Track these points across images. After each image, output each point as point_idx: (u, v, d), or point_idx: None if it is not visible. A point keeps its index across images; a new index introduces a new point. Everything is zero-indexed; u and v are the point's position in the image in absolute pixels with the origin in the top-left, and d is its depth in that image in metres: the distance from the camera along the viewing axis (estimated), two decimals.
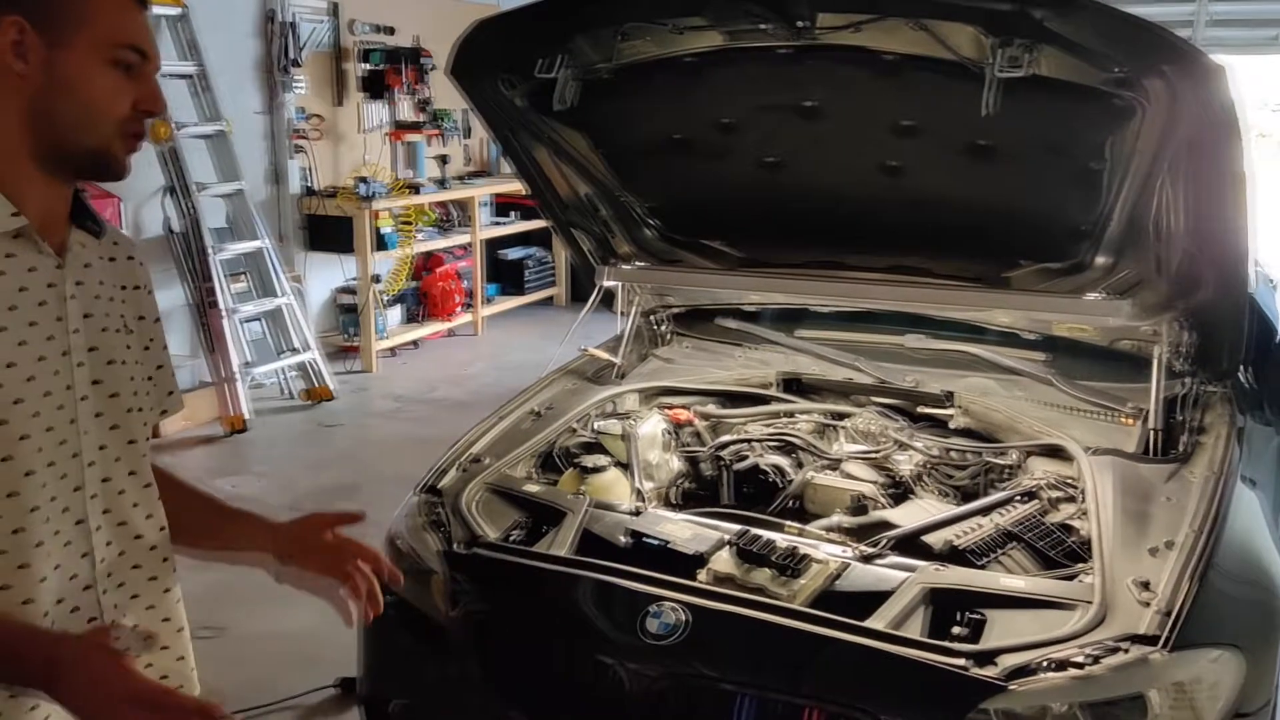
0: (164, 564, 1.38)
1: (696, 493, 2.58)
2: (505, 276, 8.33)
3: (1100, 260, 2.42)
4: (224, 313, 5.56)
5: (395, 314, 7.15)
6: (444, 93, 7.34)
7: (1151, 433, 2.39)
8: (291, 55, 6.45)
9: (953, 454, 2.53)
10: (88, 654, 1.11)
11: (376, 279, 6.72)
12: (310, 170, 6.81)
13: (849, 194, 2.56)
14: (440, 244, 7.41)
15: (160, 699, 1.09)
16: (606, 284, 2.95)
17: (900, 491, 2.41)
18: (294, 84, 6.55)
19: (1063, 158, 2.24)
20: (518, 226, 8.29)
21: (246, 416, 5.57)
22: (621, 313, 3.13)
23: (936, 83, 2.13)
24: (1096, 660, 1.72)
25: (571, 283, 8.62)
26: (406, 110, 7.22)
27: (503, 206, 8.29)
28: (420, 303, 7.42)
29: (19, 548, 1.19)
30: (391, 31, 7.34)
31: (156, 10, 5.52)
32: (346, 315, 6.95)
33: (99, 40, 1.19)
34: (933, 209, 2.47)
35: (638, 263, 2.96)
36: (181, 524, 1.42)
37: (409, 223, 6.92)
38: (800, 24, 2.06)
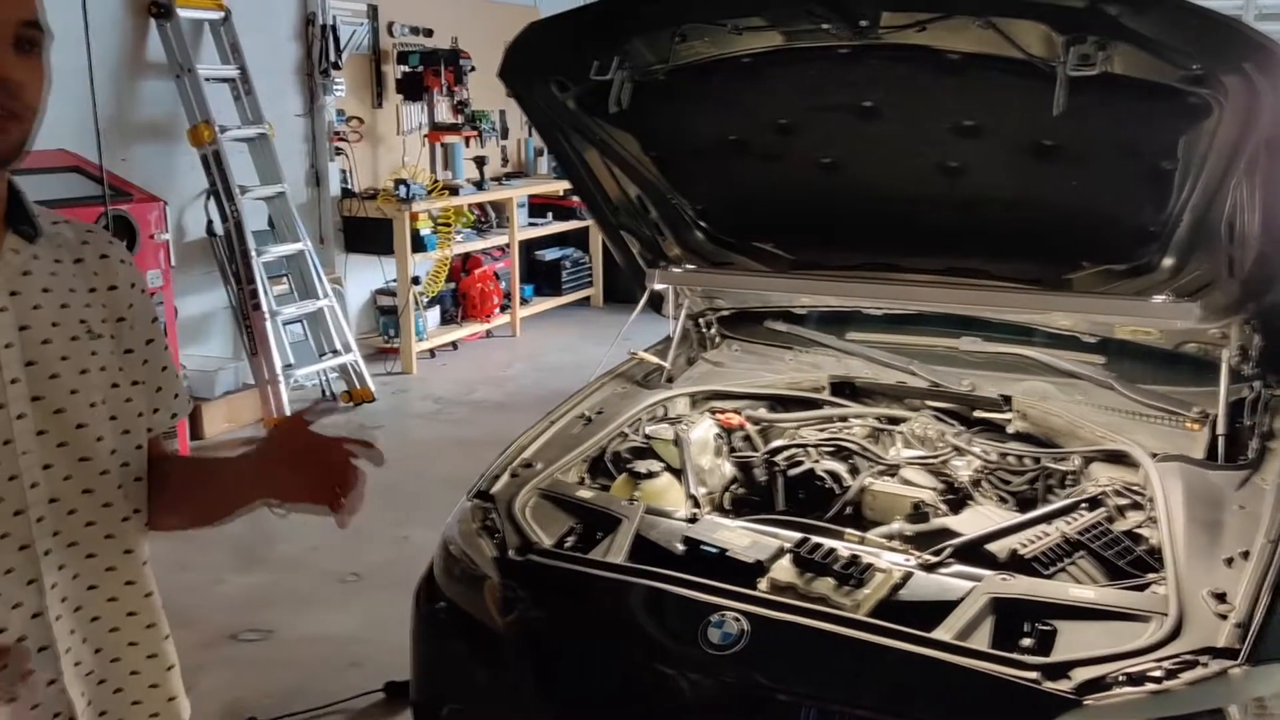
0: (127, 587, 1.29)
1: (749, 499, 2.54)
2: (542, 277, 8.34)
3: (1167, 262, 2.36)
4: (266, 315, 5.60)
5: (434, 315, 7.17)
6: (481, 94, 7.36)
7: (1220, 438, 2.33)
8: (331, 58, 6.49)
9: (1010, 459, 2.49)
10: None
11: (415, 280, 6.74)
12: (349, 172, 6.85)
13: (906, 195, 2.51)
14: (478, 245, 7.42)
15: None
16: (656, 287, 2.92)
17: (959, 498, 2.37)
18: (334, 86, 6.58)
19: (1132, 158, 2.19)
20: (554, 227, 8.29)
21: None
22: (671, 315, 3.10)
23: (1001, 82, 2.08)
24: (1173, 675, 1.67)
25: (607, 283, 8.61)
26: (444, 112, 7.24)
27: (538, 208, 8.30)
28: (458, 304, 7.44)
29: None
30: (430, 33, 7.37)
31: (198, 14, 5.57)
32: (386, 317, 6.98)
33: None
34: (992, 210, 2.42)
35: (687, 265, 2.93)
36: (192, 507, 1.38)
37: (447, 224, 6.94)
38: (862, 23, 2.02)
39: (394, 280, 6.85)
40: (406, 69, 7.08)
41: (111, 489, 1.27)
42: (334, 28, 6.51)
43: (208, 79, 5.49)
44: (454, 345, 7.28)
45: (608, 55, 2.28)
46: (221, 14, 5.66)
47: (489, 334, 7.61)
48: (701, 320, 3.19)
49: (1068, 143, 2.21)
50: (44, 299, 1.22)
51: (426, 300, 7.01)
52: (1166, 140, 2.08)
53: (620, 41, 2.28)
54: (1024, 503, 2.41)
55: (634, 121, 2.54)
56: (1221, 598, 1.79)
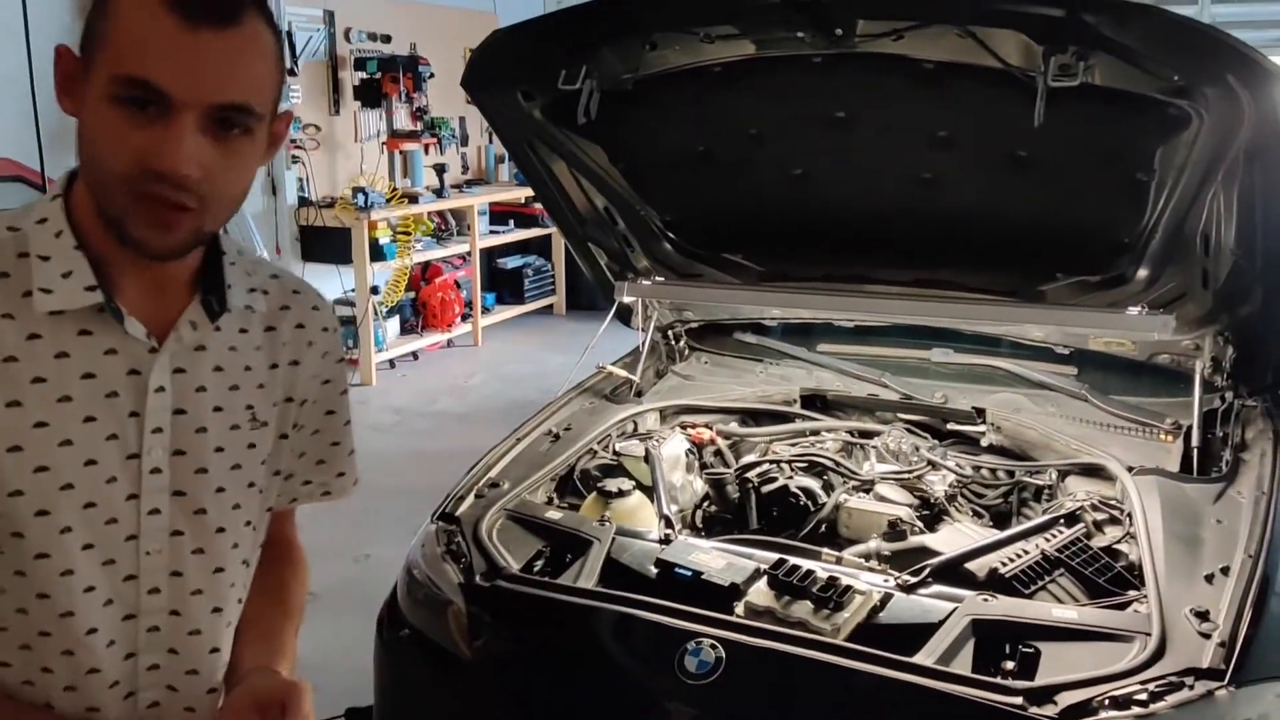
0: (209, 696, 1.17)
1: (721, 516, 2.49)
2: (503, 286, 8.27)
3: (1142, 274, 2.36)
4: None
5: (393, 325, 7.07)
6: (440, 101, 7.27)
7: (1194, 450, 2.32)
8: (287, 64, 6.36)
9: (985, 473, 2.46)
10: None
11: (374, 290, 6.64)
12: (306, 180, 6.73)
13: (878, 207, 2.49)
14: (438, 254, 7.33)
15: None
16: (624, 299, 2.87)
17: (934, 513, 2.33)
18: (290, 93, 6.46)
19: (1108, 169, 2.18)
20: (515, 235, 8.23)
21: None
22: (640, 328, 3.04)
23: (977, 92, 2.05)
24: (1159, 697, 1.64)
25: (570, 291, 8.55)
26: (403, 119, 7.15)
27: (499, 215, 8.22)
28: (418, 314, 7.34)
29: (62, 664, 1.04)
30: (388, 40, 7.27)
31: None
32: (344, 327, 6.85)
33: (106, 68, 0.94)
34: (966, 222, 2.40)
35: (656, 277, 2.89)
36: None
37: (407, 233, 6.84)
38: (838, 32, 1.98)
39: (352, 290, 6.74)
40: (364, 75, 6.98)
41: (233, 601, 1.15)
42: (289, 34, 6.39)
43: None
44: (414, 355, 7.18)
45: (576, 64, 2.22)
46: None
47: (450, 344, 7.51)
48: (670, 332, 3.15)
49: (1043, 154, 2.19)
50: (212, 380, 1.09)
51: (386, 310, 6.90)
52: (1144, 151, 2.07)
53: (589, 50, 2.22)
54: (999, 517, 2.39)
55: (601, 132, 2.48)
56: (1204, 616, 1.77)
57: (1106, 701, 1.63)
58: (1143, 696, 1.64)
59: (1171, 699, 1.63)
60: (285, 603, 1.27)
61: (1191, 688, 1.64)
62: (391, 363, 6.96)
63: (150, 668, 1.10)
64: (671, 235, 2.88)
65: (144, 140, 0.93)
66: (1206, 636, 1.72)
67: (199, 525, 1.09)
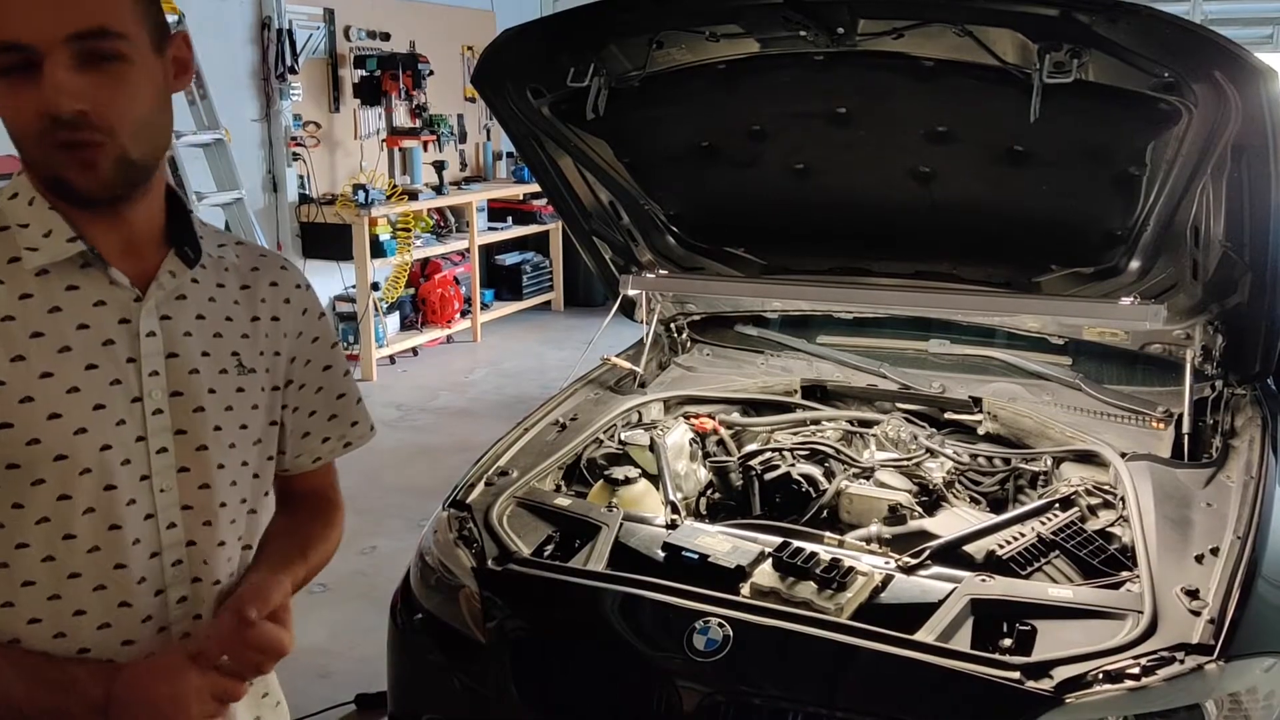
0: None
1: (724, 503, 2.54)
2: (502, 282, 8.30)
3: (1134, 265, 2.41)
4: None
5: (393, 321, 7.10)
6: (439, 98, 7.31)
7: (1185, 437, 2.37)
8: (288, 62, 6.41)
9: (981, 460, 2.52)
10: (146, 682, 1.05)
11: (375, 286, 6.67)
12: (307, 178, 6.76)
13: (877, 201, 2.53)
14: (437, 250, 7.36)
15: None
16: (629, 293, 2.92)
17: (933, 499, 2.39)
18: (290, 91, 6.50)
19: (1101, 163, 2.23)
20: (514, 232, 8.25)
21: None
22: (643, 321, 3.09)
23: (974, 88, 2.10)
24: (1151, 671, 1.70)
25: (568, 287, 8.59)
26: (402, 116, 7.18)
27: (497, 212, 8.25)
28: (418, 310, 7.37)
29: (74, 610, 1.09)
30: (387, 37, 7.30)
31: None
32: (345, 323, 6.90)
33: None
34: (962, 215, 2.45)
35: (660, 271, 2.93)
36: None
37: (406, 229, 6.87)
38: (839, 31, 2.03)
39: (353, 286, 6.77)
40: (364, 73, 7.01)
41: (233, 537, 1.19)
42: (290, 32, 6.42)
43: None
44: (414, 351, 7.22)
45: (584, 62, 2.27)
46: (175, 17, 5.56)
47: (450, 339, 7.55)
48: (673, 325, 3.19)
49: (1038, 148, 2.24)
50: (196, 326, 1.14)
51: (386, 306, 6.94)
52: (1135, 146, 2.12)
53: (597, 48, 2.27)
54: (996, 503, 2.44)
55: (608, 127, 2.53)
56: (1194, 594, 1.82)
57: (1100, 676, 1.69)
58: (1135, 671, 1.69)
59: (1163, 673, 1.68)
60: (303, 539, 1.31)
61: (1182, 662, 1.70)
62: (392, 358, 7.00)
63: (179, 600, 1.14)
64: (675, 229, 2.93)
65: (32, 98, 0.98)
66: (1196, 614, 1.77)
67: (202, 461, 1.13)
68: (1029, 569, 2.01)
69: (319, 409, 1.31)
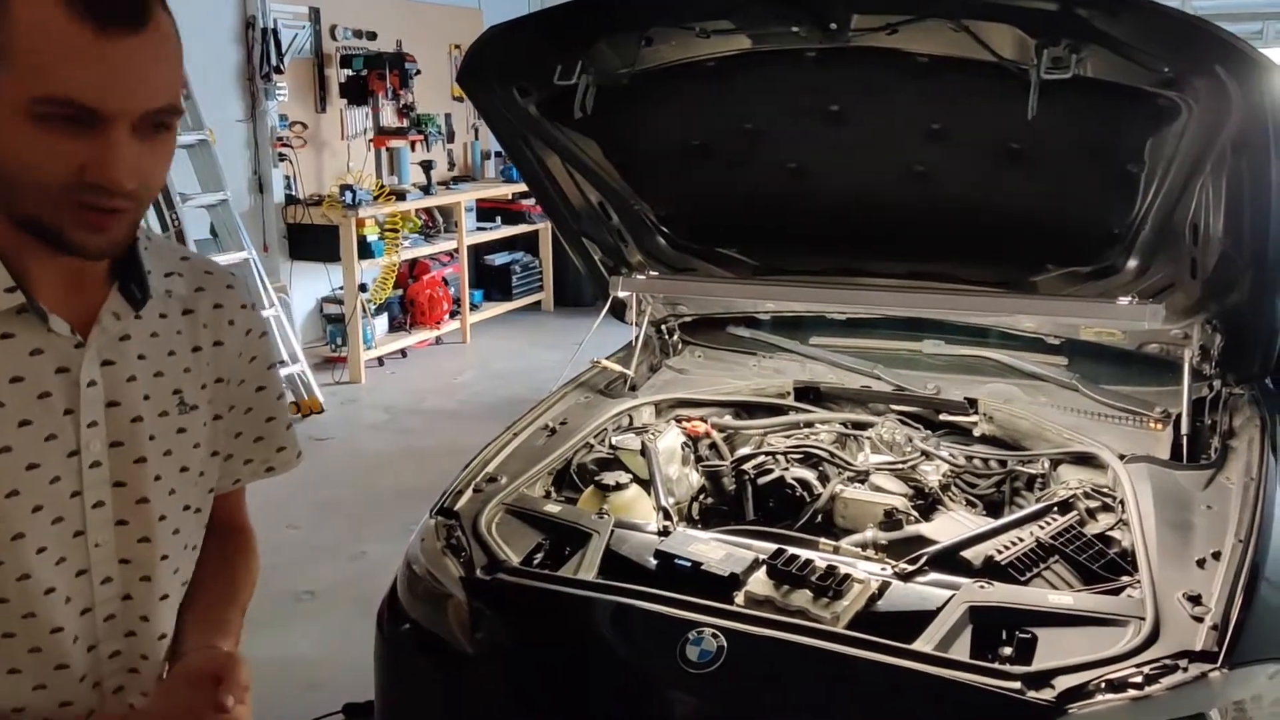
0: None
1: (717, 508, 2.51)
2: (491, 282, 8.25)
3: (1132, 264, 2.38)
4: None
5: (382, 323, 7.05)
6: (427, 98, 7.26)
7: (1184, 438, 2.34)
8: (273, 62, 6.35)
9: (977, 462, 2.49)
10: None
11: (363, 288, 6.63)
12: (293, 178, 6.71)
13: (871, 200, 2.50)
14: (426, 251, 7.31)
15: None
16: (619, 294, 2.88)
17: (928, 503, 2.36)
18: (276, 91, 6.44)
19: (1098, 161, 2.20)
20: (503, 232, 8.21)
21: None
22: (634, 323, 3.05)
23: (970, 85, 2.07)
24: (1154, 680, 1.66)
25: (557, 287, 8.55)
26: (389, 116, 7.13)
27: (486, 212, 8.21)
28: (406, 311, 7.33)
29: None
30: (374, 37, 7.25)
31: None
32: (333, 325, 6.85)
33: (15, 90, 0.90)
34: (958, 214, 2.42)
35: (650, 272, 2.90)
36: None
37: (394, 230, 6.83)
38: (833, 26, 2.00)
39: (340, 288, 6.72)
40: (350, 73, 6.96)
41: (176, 585, 1.16)
42: (275, 31, 6.37)
43: None
44: (403, 353, 7.17)
45: (572, 60, 2.23)
46: None
47: (439, 341, 7.50)
48: (664, 327, 3.16)
49: (1035, 146, 2.21)
50: (139, 368, 1.08)
51: (374, 307, 6.89)
52: (1134, 143, 2.09)
53: (585, 46, 2.23)
54: (992, 506, 2.41)
55: (597, 126, 2.49)
56: (1196, 600, 1.79)
57: (1102, 685, 1.66)
58: (1138, 679, 1.66)
59: (1166, 681, 1.65)
60: (231, 582, 1.27)
61: (1185, 670, 1.66)
62: (380, 360, 6.95)
63: (112, 655, 1.11)
64: (666, 230, 2.89)
65: (79, 152, 0.92)
66: (1199, 620, 1.74)
67: (142, 514, 1.09)
68: (1028, 575, 1.98)
69: (245, 430, 1.25)
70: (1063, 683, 1.66)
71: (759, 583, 1.94)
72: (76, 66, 0.89)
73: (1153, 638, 1.72)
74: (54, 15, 0.88)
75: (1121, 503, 2.12)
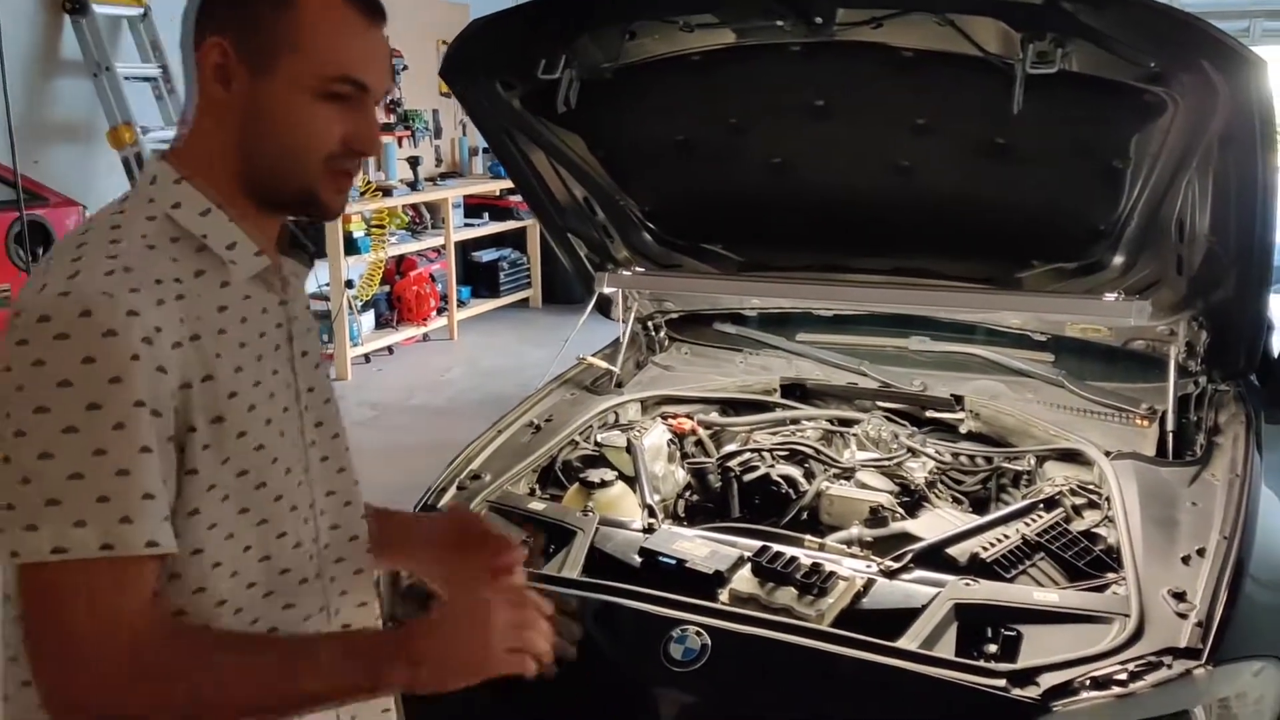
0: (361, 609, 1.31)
1: (703, 505, 2.50)
2: (479, 279, 8.22)
3: (1117, 260, 2.38)
4: None
5: (368, 320, 7.02)
6: (414, 93, 7.22)
7: (1170, 434, 2.35)
8: None
9: (963, 459, 2.48)
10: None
11: (349, 284, 6.59)
12: None
13: (856, 195, 2.49)
14: (413, 247, 7.28)
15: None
16: (604, 290, 2.87)
17: (914, 500, 2.35)
18: None
19: (1084, 156, 2.19)
20: (490, 228, 8.18)
21: None
22: (620, 319, 3.04)
23: (955, 80, 2.06)
24: (1138, 677, 1.66)
25: (545, 284, 8.52)
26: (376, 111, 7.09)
27: (474, 208, 8.18)
28: (393, 308, 7.30)
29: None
30: None
31: (116, 10, 5.36)
32: (320, 322, 6.80)
33: (305, 71, 1.06)
34: (943, 210, 2.41)
35: (636, 268, 2.88)
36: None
37: (381, 226, 6.80)
38: (817, 20, 1.99)
39: (327, 284, 6.68)
40: None
41: (355, 518, 1.28)
42: None
43: (127, 78, 5.28)
44: (390, 350, 7.14)
45: (555, 53, 2.22)
46: (140, 10, 5.45)
47: (426, 337, 7.47)
48: (650, 323, 3.15)
49: (1020, 141, 2.20)
50: (310, 323, 1.24)
51: (361, 304, 6.86)
52: (1119, 138, 2.09)
53: (568, 39, 2.21)
54: (978, 503, 2.41)
55: (581, 121, 2.48)
56: (1181, 597, 1.79)
57: (1087, 682, 1.65)
58: (1122, 676, 1.65)
59: (1150, 678, 1.65)
60: None
61: (1170, 667, 1.66)
62: (367, 357, 6.92)
63: (331, 580, 1.23)
64: (651, 225, 2.88)
65: (348, 125, 1.08)
66: (1184, 617, 1.74)
67: (336, 446, 1.24)
68: (1013, 572, 1.98)
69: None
70: (1047, 680, 1.65)
71: (744, 580, 1.94)
72: (357, 50, 1.08)
73: (1137, 635, 1.72)
74: (336, 5, 1.07)
75: (1107, 499, 2.12)
